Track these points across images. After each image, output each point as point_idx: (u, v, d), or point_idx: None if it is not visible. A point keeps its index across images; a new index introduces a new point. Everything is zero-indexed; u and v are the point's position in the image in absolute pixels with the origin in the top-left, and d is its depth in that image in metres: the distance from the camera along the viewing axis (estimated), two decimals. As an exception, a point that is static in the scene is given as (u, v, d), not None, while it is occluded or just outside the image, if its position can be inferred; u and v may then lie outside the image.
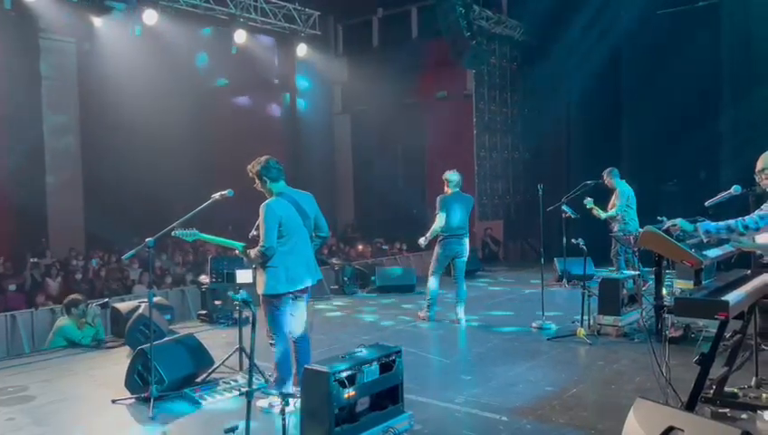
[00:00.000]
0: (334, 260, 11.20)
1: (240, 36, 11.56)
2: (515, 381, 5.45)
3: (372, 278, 10.69)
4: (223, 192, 4.95)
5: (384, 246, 14.58)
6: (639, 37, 12.12)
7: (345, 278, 10.37)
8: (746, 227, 3.53)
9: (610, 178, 8.93)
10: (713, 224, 3.68)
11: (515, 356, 6.20)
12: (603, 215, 8.82)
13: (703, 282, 4.18)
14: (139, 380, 5.15)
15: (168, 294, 8.89)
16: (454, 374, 5.72)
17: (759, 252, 4.35)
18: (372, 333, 7.33)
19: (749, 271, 4.59)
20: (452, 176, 7.62)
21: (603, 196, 8.98)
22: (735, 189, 4.89)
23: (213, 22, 11.34)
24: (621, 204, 8.70)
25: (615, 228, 8.77)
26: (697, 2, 11.90)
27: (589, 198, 8.54)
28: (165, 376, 5.07)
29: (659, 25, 12.03)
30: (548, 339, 6.76)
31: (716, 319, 3.57)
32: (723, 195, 4.86)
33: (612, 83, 12.70)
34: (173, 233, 5.04)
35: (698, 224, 3.74)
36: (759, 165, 3.82)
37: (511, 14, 14.56)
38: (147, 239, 4.84)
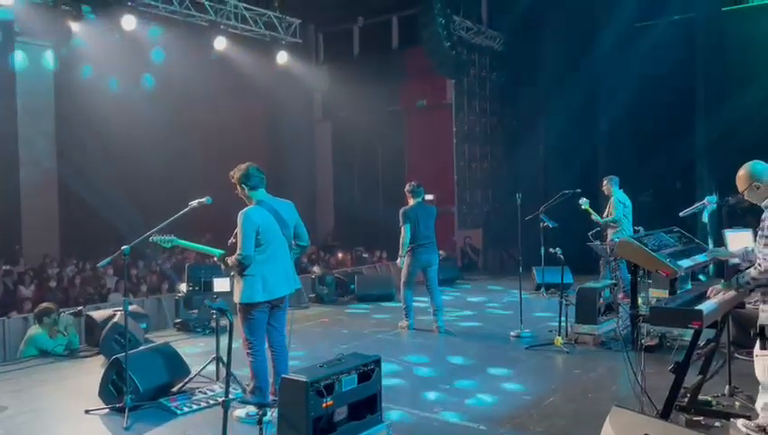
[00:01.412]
0: (314, 268, 11.13)
1: (220, 43, 11.52)
2: (493, 389, 5.46)
3: (351, 287, 10.66)
4: (201, 199, 4.91)
5: (364, 255, 14.55)
6: (617, 49, 12.31)
7: (324, 287, 10.33)
8: (766, 269, 3.56)
9: (610, 185, 9.03)
10: (744, 278, 3.71)
11: (494, 365, 6.21)
12: (601, 220, 8.91)
13: (678, 291, 4.25)
14: (113, 389, 5.06)
15: (145, 302, 8.76)
16: (432, 383, 5.71)
17: (732, 260, 4.41)
18: (351, 341, 7.30)
19: (722, 280, 4.66)
20: (414, 188, 7.70)
21: (598, 202, 9.08)
22: (710, 200, 4.98)
23: (192, 28, 11.28)
24: (618, 211, 8.80)
25: (609, 236, 8.86)
26: (673, 16, 12.14)
27: (584, 199, 8.62)
28: (140, 386, 5.00)
29: (637, 37, 12.24)
30: (526, 348, 6.79)
31: (690, 328, 3.62)
32: (697, 205, 4.95)
33: (589, 94, 12.87)
34: (150, 239, 4.99)
35: (734, 280, 3.77)
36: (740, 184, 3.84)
37: (491, 25, 14.70)
38: (122, 247, 4.78)
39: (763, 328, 3.30)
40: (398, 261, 7.77)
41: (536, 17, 13.15)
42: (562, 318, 6.86)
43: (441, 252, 9.05)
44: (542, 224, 7.88)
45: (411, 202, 7.72)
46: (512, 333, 7.33)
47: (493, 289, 11.25)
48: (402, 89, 15.86)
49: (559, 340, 6.68)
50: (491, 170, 15.11)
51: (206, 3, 10.99)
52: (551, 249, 7.44)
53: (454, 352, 6.81)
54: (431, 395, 5.33)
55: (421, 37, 12.69)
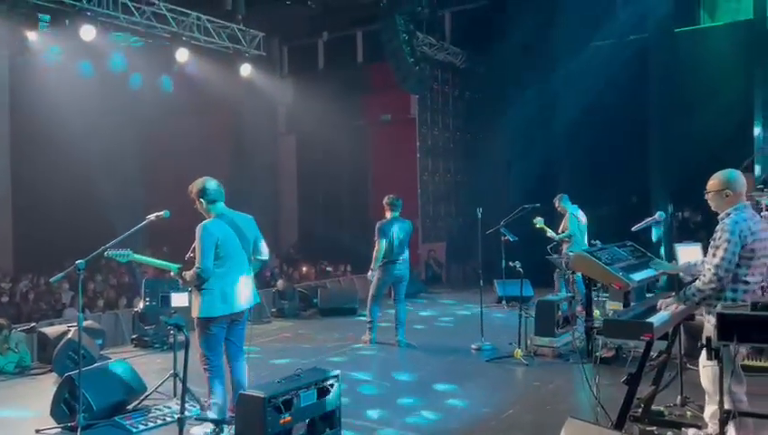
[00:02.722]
0: (276, 282, 11.04)
1: (182, 55, 11.41)
2: (454, 402, 5.49)
3: (314, 301, 10.60)
4: (158, 213, 4.85)
5: (328, 268, 14.50)
6: (575, 67, 12.62)
7: (286, 301, 10.25)
8: (710, 282, 3.67)
9: (560, 202, 9.21)
10: (690, 290, 3.80)
11: (454, 378, 6.24)
12: (557, 236, 9.06)
13: (631, 303, 4.35)
14: (65, 408, 4.93)
15: (101, 317, 8.55)
16: (393, 397, 5.71)
17: (681, 274, 4.55)
18: (312, 356, 7.25)
19: (674, 293, 4.80)
20: (393, 201, 7.72)
21: (548, 219, 9.24)
22: (660, 215, 5.12)
23: (154, 39, 11.16)
24: (573, 226, 8.97)
25: (564, 249, 9.01)
26: (628, 36, 12.52)
27: (539, 218, 8.76)
28: (93, 404, 4.87)
29: (594, 56, 12.58)
30: (486, 360, 6.85)
31: (642, 340, 3.71)
32: (648, 220, 5.08)
33: (549, 110, 13.15)
34: (106, 254, 4.89)
35: (682, 293, 3.86)
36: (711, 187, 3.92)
37: (453, 41, 14.92)
38: (77, 261, 4.68)
39: (709, 339, 3.40)
40: (369, 274, 7.74)
41: (497, 35, 13.42)
42: (522, 330, 6.94)
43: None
44: (503, 237, 7.99)
45: (388, 215, 7.71)
46: (473, 346, 7.38)
47: (455, 302, 11.31)
48: (366, 103, 15.97)
49: (519, 352, 6.75)
50: (454, 184, 15.29)
51: (168, 14, 10.89)
52: (510, 262, 7.54)
53: (415, 366, 6.82)
54: (391, 409, 5.32)
55: (385, 53, 12.81)
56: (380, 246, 7.52)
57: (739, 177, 3.85)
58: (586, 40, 12.73)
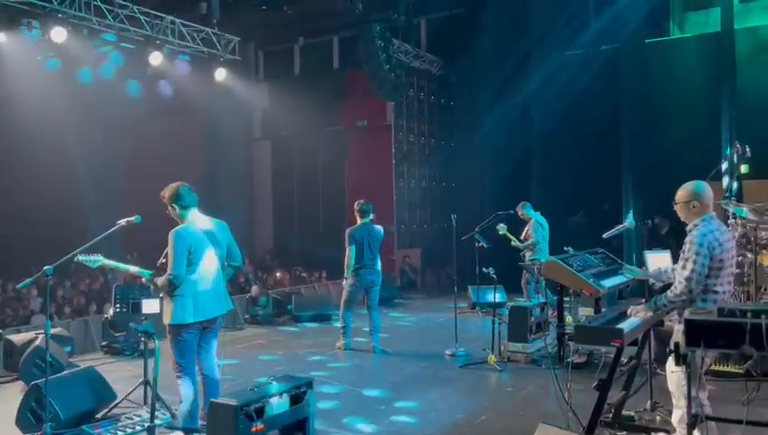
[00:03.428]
0: (250, 288, 10.94)
1: (156, 58, 11.29)
2: (428, 408, 5.50)
3: (288, 307, 10.54)
4: (129, 218, 4.78)
5: (303, 274, 14.42)
6: (549, 75, 12.79)
7: (260, 307, 10.17)
8: (681, 293, 3.72)
9: (523, 210, 9.30)
10: (661, 300, 3.86)
11: (428, 384, 6.26)
12: (521, 245, 9.14)
13: (602, 309, 4.41)
14: (31, 417, 4.82)
15: (70, 324, 8.39)
16: (367, 404, 5.70)
17: (651, 280, 4.62)
18: (286, 364, 7.21)
19: (644, 299, 4.87)
20: (363, 206, 7.74)
21: (517, 225, 9.32)
22: (630, 223, 5.21)
23: (127, 42, 11.02)
24: (537, 233, 9.05)
25: (527, 257, 9.10)
26: (601, 46, 12.74)
27: (502, 225, 8.84)
28: (60, 412, 4.77)
29: (568, 64, 12.76)
30: (460, 366, 6.88)
31: (612, 346, 3.75)
32: (618, 228, 5.17)
33: (524, 118, 13.31)
34: (76, 259, 4.81)
35: (653, 302, 3.91)
36: (679, 198, 4.01)
37: (429, 49, 15.02)
38: (45, 267, 4.59)
39: (677, 345, 3.45)
40: (344, 283, 7.76)
41: (473, 43, 13.54)
42: (495, 336, 6.99)
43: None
44: (477, 244, 8.04)
45: (359, 221, 7.73)
46: (447, 352, 7.40)
47: (429, 308, 11.32)
48: (343, 109, 15.96)
49: (492, 358, 6.79)
50: (429, 191, 15.36)
51: (142, 17, 10.77)
52: (484, 269, 7.59)
53: (389, 372, 6.83)
54: (365, 416, 5.31)
55: (361, 59, 12.84)
56: (351, 252, 7.55)
57: (706, 188, 3.92)
58: (559, 49, 12.92)
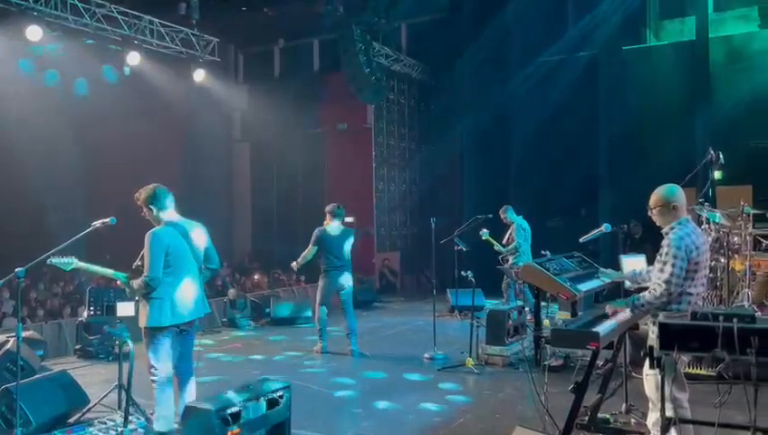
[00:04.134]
0: (228, 291, 10.85)
1: (133, 58, 11.17)
2: (406, 412, 5.49)
3: (267, 310, 10.47)
4: (105, 220, 4.71)
5: (282, 277, 14.34)
6: (527, 81, 12.90)
7: (238, 310, 10.09)
8: (661, 295, 3.76)
9: (506, 214, 9.36)
10: (639, 301, 3.89)
11: (406, 387, 6.26)
12: (504, 249, 9.18)
13: (579, 313, 4.45)
14: (2, 422, 4.73)
15: (43, 327, 8.24)
16: (345, 407, 5.68)
17: (627, 283, 4.67)
18: (264, 367, 7.16)
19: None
20: (336, 209, 7.74)
21: (499, 229, 9.37)
22: (606, 227, 5.25)
23: (105, 42, 10.89)
24: (519, 237, 9.11)
25: (510, 260, 9.15)
26: (578, 52, 12.89)
27: (485, 230, 8.88)
28: (32, 417, 4.68)
29: (547, 70, 12.89)
30: (438, 369, 6.89)
31: (588, 349, 3.78)
32: (594, 232, 5.21)
33: (503, 123, 13.40)
34: (49, 261, 4.72)
35: (631, 301, 3.95)
36: (654, 202, 4.03)
37: (409, 53, 15.05)
38: (16, 269, 4.50)
39: (651, 348, 3.49)
40: (293, 264, 7.84)
41: (453, 48, 13.61)
42: (474, 339, 7.01)
43: (358, 275, 9.11)
44: (456, 247, 8.06)
45: (330, 223, 7.72)
46: (425, 355, 7.41)
47: (408, 311, 11.32)
48: (323, 111, 15.91)
49: (470, 361, 6.81)
50: (409, 194, 15.39)
51: (120, 17, 10.65)
52: (463, 272, 7.61)
53: (367, 375, 6.80)
54: (343, 419, 5.30)
55: (341, 62, 12.82)
56: (311, 250, 7.65)
57: (679, 191, 3.98)
58: (539, 54, 13.04)
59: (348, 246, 7.78)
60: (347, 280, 7.75)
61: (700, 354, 3.66)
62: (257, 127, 16.38)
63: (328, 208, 7.83)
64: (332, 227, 7.69)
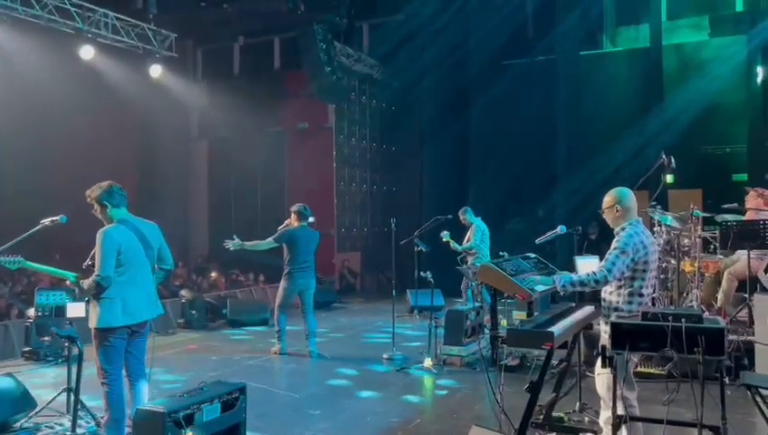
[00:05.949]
0: (183, 292, 10.64)
1: (87, 52, 10.86)
2: (364, 413, 5.48)
3: (223, 311, 10.31)
4: (54, 218, 4.56)
5: (240, 277, 14.15)
6: (486, 83, 13.05)
7: (193, 311, 9.90)
8: (597, 281, 3.82)
9: (464, 215, 9.44)
10: (568, 278, 3.95)
11: (365, 388, 6.24)
12: (459, 247, 9.26)
13: (534, 313, 4.50)
14: (-59, 428, 4.53)
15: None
16: (302, 409, 5.63)
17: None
18: (220, 369, 7.05)
19: (574, 304, 5.01)
20: (303, 209, 7.67)
21: (459, 230, 9.44)
22: (561, 229, 5.34)
23: (56, 35, 10.55)
24: (476, 238, 9.20)
25: (469, 261, 9.23)
26: (537, 56, 13.10)
27: (445, 232, 8.94)
28: (-26, 423, 4.50)
29: (505, 74, 13.06)
30: (397, 370, 6.90)
31: (543, 349, 3.83)
32: (550, 234, 5.29)
33: (462, 126, 13.52)
34: (-6, 260, 4.55)
35: (555, 277, 4.01)
36: (605, 204, 4.08)
37: (371, 53, 15.06)
38: (-41, 268, 4.32)
39: (603, 348, 3.56)
40: (233, 242, 7.61)
41: (414, 49, 13.66)
42: (432, 340, 7.04)
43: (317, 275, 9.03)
44: (416, 248, 8.09)
45: (295, 223, 7.64)
46: (384, 356, 7.41)
47: (368, 312, 11.32)
48: (283, 110, 15.80)
49: (429, 361, 6.84)
50: (370, 195, 15.38)
51: (73, 9, 10.34)
52: (422, 273, 7.64)
53: (325, 377, 6.77)
54: (300, 421, 5.25)
55: (302, 61, 12.74)
56: (268, 242, 7.56)
57: (630, 193, 4.08)
58: (499, 58, 13.20)
59: (314, 247, 7.73)
60: (310, 281, 7.69)
61: (651, 354, 3.75)
62: (215, 125, 16.15)
63: (294, 208, 7.75)
64: (301, 228, 7.61)
